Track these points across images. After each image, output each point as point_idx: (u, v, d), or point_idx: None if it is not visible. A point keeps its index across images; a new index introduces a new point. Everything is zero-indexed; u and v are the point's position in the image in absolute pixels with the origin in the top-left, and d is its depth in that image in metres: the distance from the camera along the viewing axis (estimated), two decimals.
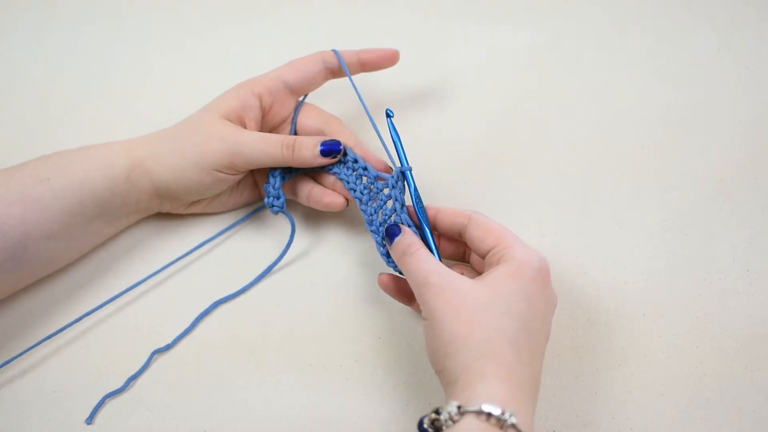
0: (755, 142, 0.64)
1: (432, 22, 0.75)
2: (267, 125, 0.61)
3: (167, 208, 0.60)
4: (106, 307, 0.58)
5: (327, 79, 0.62)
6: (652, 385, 0.53)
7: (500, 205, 0.62)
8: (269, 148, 0.56)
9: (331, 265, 0.60)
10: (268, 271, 0.60)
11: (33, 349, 0.56)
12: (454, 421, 0.43)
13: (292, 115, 0.61)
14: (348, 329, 0.57)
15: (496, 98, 0.69)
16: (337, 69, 0.61)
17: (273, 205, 0.59)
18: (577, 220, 0.61)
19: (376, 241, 0.55)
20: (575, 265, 0.58)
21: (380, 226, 0.55)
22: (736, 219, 0.60)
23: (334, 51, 0.60)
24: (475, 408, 0.43)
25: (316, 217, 0.62)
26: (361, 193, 0.57)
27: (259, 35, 0.75)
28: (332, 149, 0.56)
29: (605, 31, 0.72)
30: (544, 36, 0.72)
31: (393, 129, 0.56)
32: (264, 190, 0.60)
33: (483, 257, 0.51)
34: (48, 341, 0.57)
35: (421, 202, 0.54)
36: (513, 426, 0.42)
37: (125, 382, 0.55)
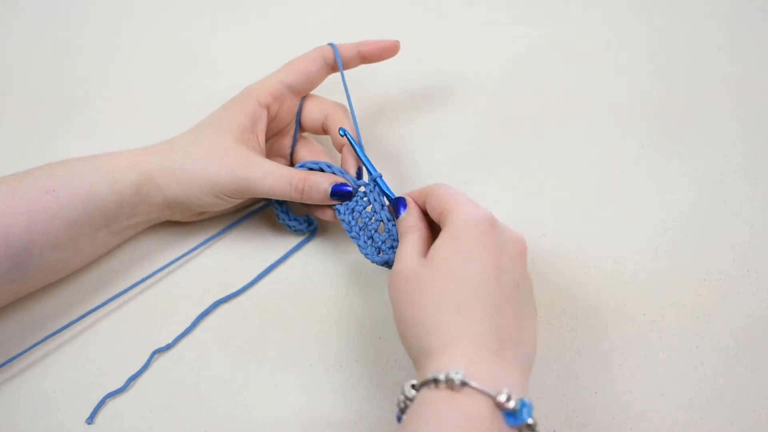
0: (755, 142, 0.64)
1: (432, 22, 0.75)
2: (273, 130, 0.61)
3: (177, 217, 0.60)
4: (106, 306, 0.58)
5: (328, 74, 0.61)
6: (652, 385, 0.53)
7: (500, 204, 0.62)
8: (277, 186, 0.56)
9: (331, 265, 0.60)
10: (270, 270, 0.60)
11: (33, 349, 0.56)
12: (411, 400, 0.43)
13: (296, 115, 0.61)
14: (348, 329, 0.57)
15: (497, 98, 0.69)
16: (337, 64, 0.60)
17: (303, 231, 0.60)
18: (577, 219, 0.61)
19: (359, 245, 0.55)
20: (575, 264, 0.58)
21: (360, 230, 0.55)
22: (736, 219, 0.60)
23: (332, 45, 0.60)
24: (423, 379, 0.42)
25: (318, 221, 0.62)
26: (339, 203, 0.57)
27: (260, 32, 0.75)
28: (343, 191, 0.56)
29: (605, 31, 0.72)
30: (545, 36, 0.73)
31: (353, 143, 0.57)
32: (282, 222, 0.60)
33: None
34: (48, 341, 0.57)
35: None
36: (463, 383, 0.41)
37: (125, 382, 0.55)
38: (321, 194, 0.56)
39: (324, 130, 0.61)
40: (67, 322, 0.57)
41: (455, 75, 0.70)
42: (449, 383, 0.41)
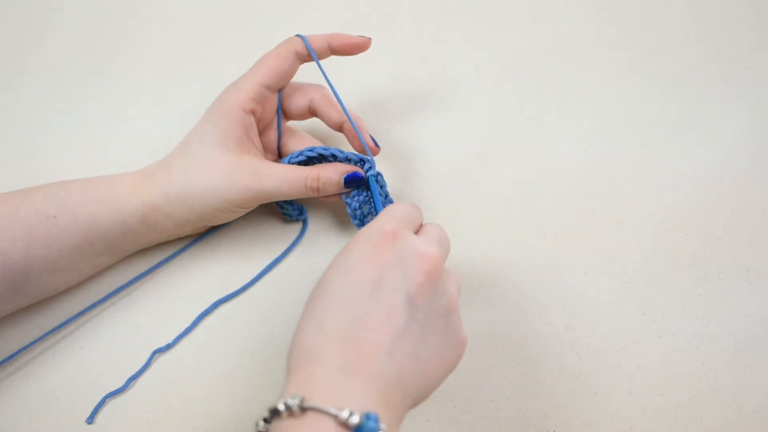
0: (755, 142, 0.64)
1: (431, 25, 0.75)
2: (258, 129, 0.60)
3: (186, 233, 0.60)
4: (106, 306, 0.58)
5: (300, 65, 0.60)
6: (652, 385, 0.53)
7: (500, 205, 0.62)
8: (294, 190, 0.56)
9: None
10: (270, 268, 0.60)
11: (33, 349, 0.56)
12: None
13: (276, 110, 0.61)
14: None
15: (496, 99, 0.69)
16: (308, 55, 0.59)
17: (296, 219, 0.61)
18: (577, 220, 0.61)
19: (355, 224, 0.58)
20: (575, 265, 0.58)
21: (365, 217, 0.57)
22: (736, 219, 0.60)
23: (301, 37, 0.59)
24: (269, 412, 0.41)
25: (316, 216, 0.62)
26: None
27: (258, 35, 0.75)
28: (355, 179, 0.56)
29: (605, 32, 0.72)
30: (544, 36, 0.72)
31: (372, 186, 0.57)
32: (277, 205, 0.61)
33: None
34: (48, 340, 0.57)
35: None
36: (302, 408, 0.39)
37: (126, 382, 0.55)
38: (335, 186, 0.56)
39: (311, 113, 0.60)
40: (65, 319, 0.57)
41: (455, 74, 0.70)
42: (289, 411, 0.39)
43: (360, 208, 0.57)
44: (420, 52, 0.72)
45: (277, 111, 0.61)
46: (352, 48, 0.59)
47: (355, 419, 0.39)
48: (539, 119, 0.67)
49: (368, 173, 0.56)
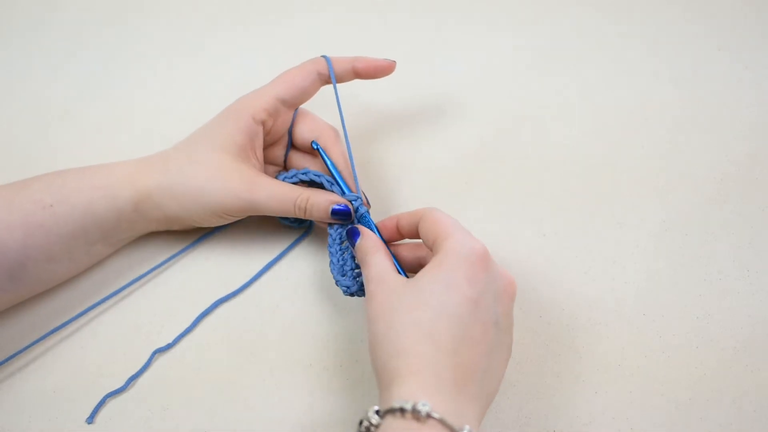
0: (755, 142, 0.64)
1: (431, 26, 0.75)
2: (267, 142, 0.60)
3: (175, 228, 0.60)
4: (106, 306, 0.58)
5: (321, 86, 0.60)
6: (652, 385, 0.53)
7: (500, 205, 0.62)
8: (282, 207, 0.56)
9: None
10: (269, 267, 0.60)
11: (33, 349, 0.56)
12: (376, 427, 0.42)
13: (288, 128, 0.61)
14: (348, 329, 0.57)
15: (497, 99, 0.69)
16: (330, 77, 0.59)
17: (295, 227, 0.61)
18: (577, 220, 0.61)
19: (331, 261, 0.55)
20: (575, 265, 0.58)
21: (339, 247, 0.56)
22: (736, 219, 0.60)
23: (325, 58, 0.59)
24: (388, 407, 0.42)
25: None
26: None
27: (259, 39, 0.75)
28: (343, 212, 0.55)
29: (605, 32, 0.72)
30: (544, 36, 0.73)
31: (326, 160, 0.57)
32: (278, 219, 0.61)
33: None
34: (48, 341, 0.57)
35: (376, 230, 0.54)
36: (429, 415, 0.41)
37: (126, 382, 0.55)
38: (322, 213, 0.55)
39: (312, 150, 0.60)
40: (65, 319, 0.57)
41: (455, 77, 0.70)
42: (415, 414, 0.41)
43: (339, 235, 0.56)
44: (420, 53, 0.72)
45: (289, 129, 0.60)
46: (377, 71, 0.59)
47: None
48: (539, 119, 0.67)
49: (359, 211, 0.55)
